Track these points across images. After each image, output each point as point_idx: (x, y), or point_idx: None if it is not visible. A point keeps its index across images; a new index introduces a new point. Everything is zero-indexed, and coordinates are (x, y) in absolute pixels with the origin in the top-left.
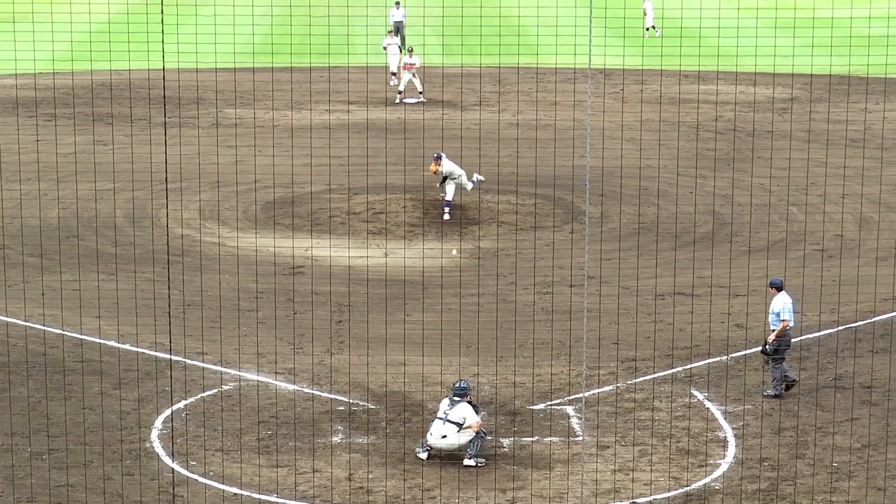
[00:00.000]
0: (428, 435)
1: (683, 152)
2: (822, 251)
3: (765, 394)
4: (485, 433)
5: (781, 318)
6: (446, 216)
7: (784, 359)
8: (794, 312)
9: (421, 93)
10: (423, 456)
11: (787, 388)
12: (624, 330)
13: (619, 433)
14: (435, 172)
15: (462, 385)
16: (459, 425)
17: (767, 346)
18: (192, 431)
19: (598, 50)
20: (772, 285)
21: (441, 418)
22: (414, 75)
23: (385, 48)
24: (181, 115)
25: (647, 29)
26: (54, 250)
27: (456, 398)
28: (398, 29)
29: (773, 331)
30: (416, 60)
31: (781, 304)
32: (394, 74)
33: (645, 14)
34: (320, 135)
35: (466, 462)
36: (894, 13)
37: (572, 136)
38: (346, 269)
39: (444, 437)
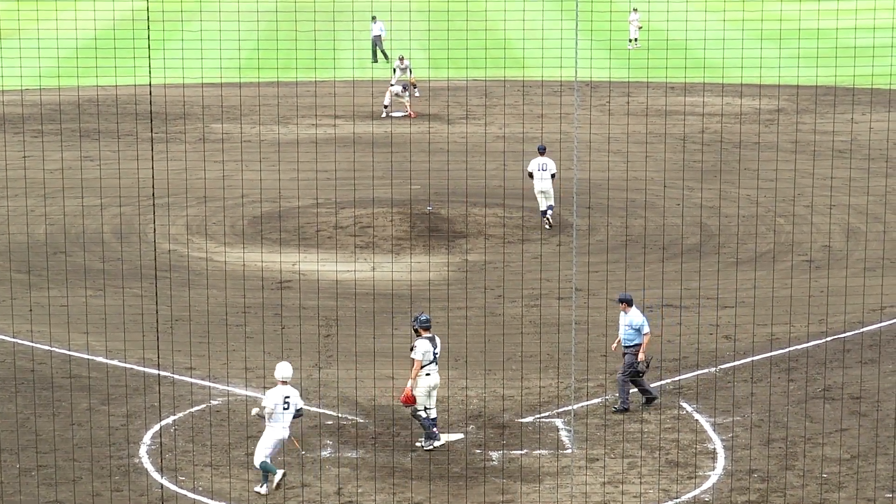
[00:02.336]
0: (435, 379)
1: (670, 164)
2: (809, 262)
3: (615, 409)
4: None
5: (644, 332)
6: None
7: (642, 373)
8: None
9: (408, 105)
10: (438, 443)
11: (649, 401)
12: (612, 342)
13: (609, 445)
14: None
15: (425, 318)
16: None
17: (642, 364)
18: (180, 447)
19: (584, 62)
20: (622, 301)
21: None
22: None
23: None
24: (168, 131)
25: (631, 41)
26: (42, 266)
27: (428, 335)
28: (375, 43)
29: (636, 345)
30: (406, 63)
31: (641, 318)
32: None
33: (630, 24)
34: (307, 149)
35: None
36: (880, 24)
37: (559, 149)
38: (333, 283)
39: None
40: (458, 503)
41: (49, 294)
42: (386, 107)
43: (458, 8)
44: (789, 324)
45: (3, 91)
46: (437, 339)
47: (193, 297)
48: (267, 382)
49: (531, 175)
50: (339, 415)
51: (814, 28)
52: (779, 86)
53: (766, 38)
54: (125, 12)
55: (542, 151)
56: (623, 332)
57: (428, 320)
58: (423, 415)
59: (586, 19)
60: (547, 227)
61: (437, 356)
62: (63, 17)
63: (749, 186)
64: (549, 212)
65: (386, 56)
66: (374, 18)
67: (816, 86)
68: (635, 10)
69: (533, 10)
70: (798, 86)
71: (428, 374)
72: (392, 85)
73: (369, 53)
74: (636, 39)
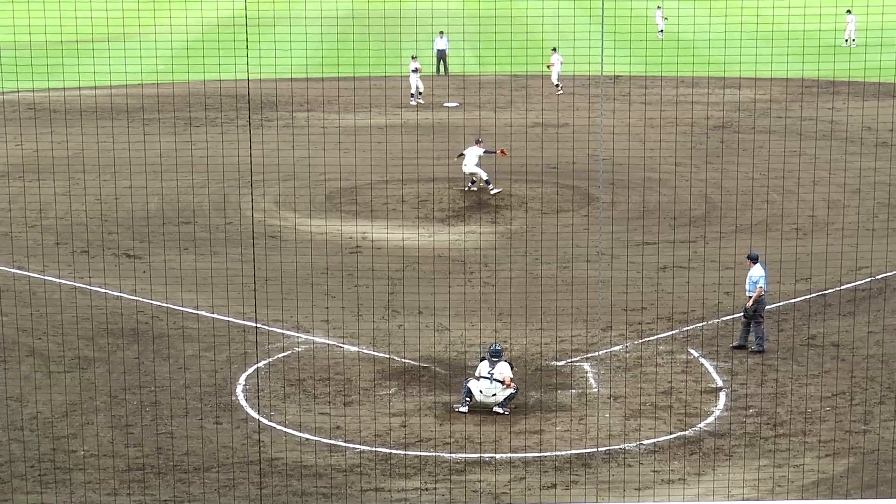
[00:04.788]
0: (477, 393)
1: (680, 146)
2: (797, 229)
3: (752, 349)
4: (517, 388)
5: (759, 286)
6: (495, 190)
7: (763, 319)
8: (768, 282)
9: (421, 93)
10: (464, 410)
11: (751, 349)
12: (631, 298)
13: (628, 385)
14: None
15: (497, 348)
16: (502, 382)
17: (747, 310)
18: (271, 386)
19: (608, 59)
20: (749, 258)
21: (487, 378)
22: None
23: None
24: (263, 118)
25: (660, 32)
26: (156, 234)
27: (494, 359)
28: (441, 57)
29: (751, 296)
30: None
31: (759, 273)
32: (412, 95)
33: (657, 22)
34: (377, 134)
35: (497, 409)
36: (857, 26)
37: (587, 134)
38: (398, 248)
39: (494, 395)
40: (503, 432)
41: (165, 258)
42: (413, 95)
43: (503, 14)
44: (780, 282)
45: (127, 85)
46: (497, 364)
47: (283, 260)
48: (344, 332)
49: (462, 155)
50: (404, 360)
51: (800, 29)
52: (771, 79)
53: (761, 37)
54: (227, 18)
55: (479, 142)
56: (747, 284)
57: (496, 351)
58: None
59: (611, 23)
60: (471, 189)
61: (487, 375)
62: (176, 23)
63: (746, 165)
64: (475, 184)
65: (447, 70)
66: (441, 33)
67: (802, 78)
68: (659, 7)
69: (566, 15)
70: (787, 79)
71: (478, 380)
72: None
73: (432, 59)
74: (662, 31)
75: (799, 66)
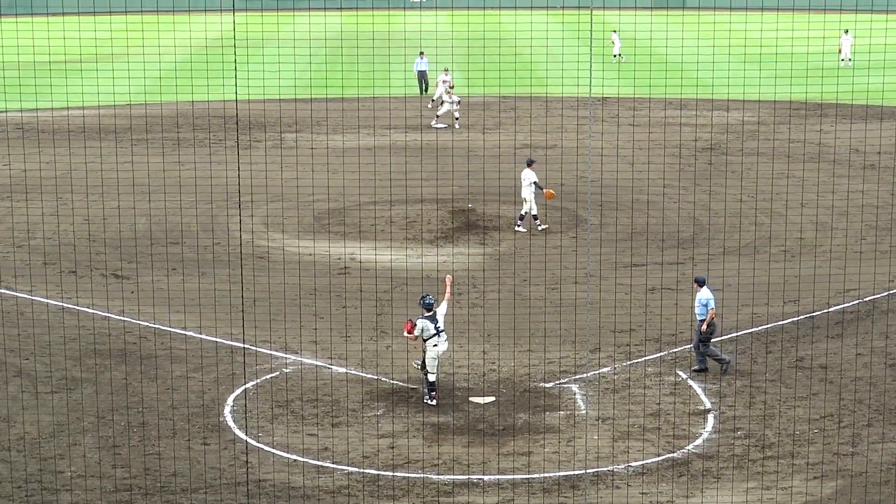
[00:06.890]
0: (442, 352)
1: (669, 168)
2: (785, 251)
3: (694, 369)
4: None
5: (710, 308)
6: (543, 226)
7: (710, 340)
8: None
9: (457, 119)
10: (433, 403)
11: (725, 370)
12: (620, 320)
13: (617, 407)
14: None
15: (430, 301)
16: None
17: (703, 333)
18: (259, 407)
19: (597, 82)
20: (697, 282)
21: (443, 331)
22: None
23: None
24: (251, 139)
25: (615, 56)
26: (143, 255)
27: (429, 314)
28: (422, 78)
29: (703, 320)
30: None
31: (708, 296)
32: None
33: (613, 43)
34: (365, 155)
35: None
36: (850, 48)
37: (576, 155)
38: (386, 269)
39: (446, 340)
40: (492, 454)
41: (153, 278)
42: (438, 116)
43: (491, 36)
44: (768, 304)
45: (115, 105)
46: (438, 316)
47: (271, 281)
48: (332, 353)
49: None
50: (392, 381)
51: (788, 52)
52: (759, 101)
53: (749, 60)
54: (215, 39)
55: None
56: (697, 308)
57: (430, 304)
58: (433, 377)
59: (599, 45)
60: (523, 230)
61: (440, 330)
62: (164, 43)
63: (734, 187)
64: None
65: (427, 88)
66: (421, 54)
67: (790, 101)
68: (615, 31)
69: (554, 38)
70: (775, 101)
71: (435, 345)
72: (451, 103)
73: (416, 80)
74: (620, 55)
75: (787, 89)
